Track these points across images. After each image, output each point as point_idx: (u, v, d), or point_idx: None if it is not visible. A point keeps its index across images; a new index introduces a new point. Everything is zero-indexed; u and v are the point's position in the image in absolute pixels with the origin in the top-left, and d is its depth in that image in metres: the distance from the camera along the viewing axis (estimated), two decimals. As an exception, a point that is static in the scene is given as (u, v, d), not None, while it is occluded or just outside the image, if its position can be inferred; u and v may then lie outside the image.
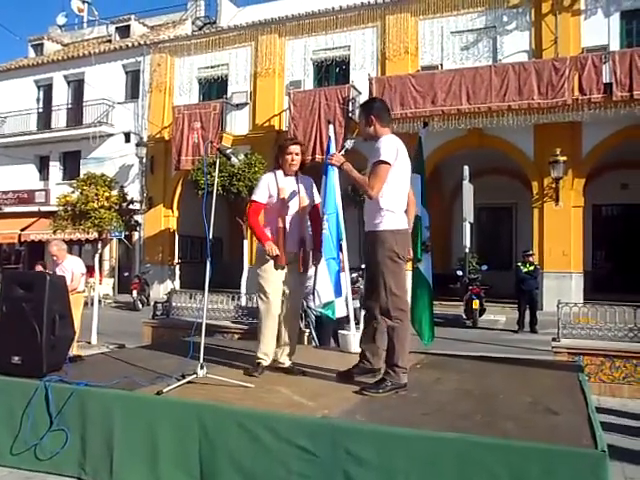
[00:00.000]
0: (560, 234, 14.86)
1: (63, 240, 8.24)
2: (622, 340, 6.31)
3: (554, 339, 6.50)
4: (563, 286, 14.21)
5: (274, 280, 4.15)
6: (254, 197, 4.21)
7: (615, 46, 14.86)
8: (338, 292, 5.84)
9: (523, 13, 16.04)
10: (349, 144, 4.08)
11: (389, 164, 3.65)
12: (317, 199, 4.39)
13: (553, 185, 15.04)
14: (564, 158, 14.52)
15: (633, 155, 15.86)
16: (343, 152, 4.01)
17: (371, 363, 3.97)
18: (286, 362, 4.28)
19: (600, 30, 15.12)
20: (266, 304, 4.16)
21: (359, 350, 4.18)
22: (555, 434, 2.82)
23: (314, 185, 4.38)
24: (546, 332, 9.60)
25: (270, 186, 4.17)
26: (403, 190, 3.82)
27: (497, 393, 3.67)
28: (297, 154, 4.19)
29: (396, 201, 3.75)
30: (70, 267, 6.90)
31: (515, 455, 2.64)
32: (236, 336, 7.26)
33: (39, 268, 7.98)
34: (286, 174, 4.21)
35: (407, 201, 3.90)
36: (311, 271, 7.04)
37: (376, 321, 3.81)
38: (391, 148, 3.69)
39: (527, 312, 11.74)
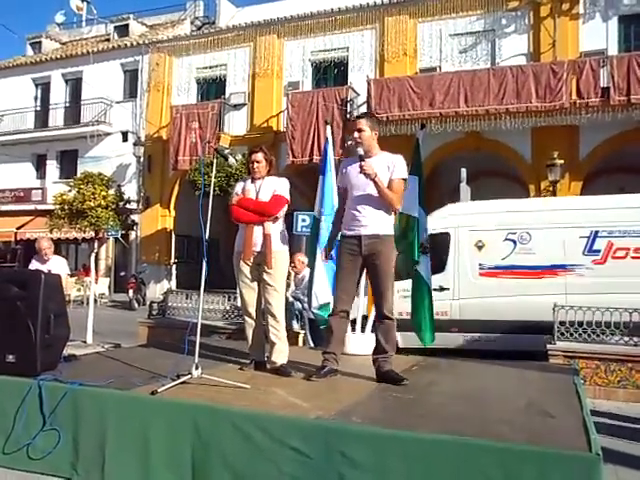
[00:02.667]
0: (557, 237, 14.86)
1: (59, 239, 8.21)
2: (618, 344, 6.32)
3: (550, 342, 6.51)
4: (559, 289, 14.20)
5: (242, 277, 4.39)
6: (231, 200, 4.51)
7: (613, 50, 14.90)
8: (335, 293, 5.84)
9: (522, 16, 16.07)
10: (361, 151, 3.99)
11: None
12: (278, 192, 4.36)
13: (550, 188, 15.05)
14: (561, 161, 14.53)
15: (630, 159, 15.87)
16: (364, 161, 3.92)
17: (338, 363, 4.19)
18: (278, 361, 4.29)
19: (598, 34, 15.17)
20: (240, 300, 4.52)
21: (331, 352, 4.19)
22: (550, 437, 2.81)
23: (282, 185, 4.40)
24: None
25: (237, 190, 4.48)
26: None
27: (492, 396, 3.67)
28: (258, 161, 4.37)
29: None
30: (58, 269, 6.70)
31: (510, 458, 2.63)
32: (232, 336, 7.26)
33: None
34: (253, 179, 4.43)
35: None
36: (306, 272, 7.09)
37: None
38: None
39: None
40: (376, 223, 4.01)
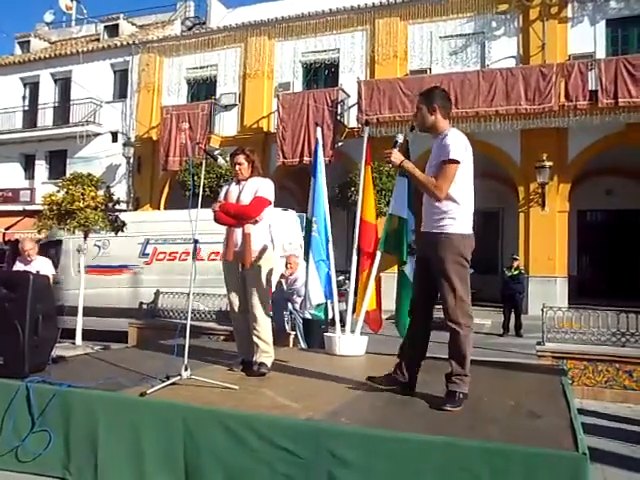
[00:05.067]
0: (545, 239, 14.99)
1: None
2: (605, 344, 6.38)
3: (538, 343, 6.56)
4: (548, 290, 14.31)
5: (227, 277, 4.45)
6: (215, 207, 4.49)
7: (601, 54, 15.03)
8: (329, 294, 5.86)
9: (511, 19, 16.17)
10: (400, 138, 3.78)
11: (459, 163, 3.43)
12: (259, 194, 4.34)
13: (539, 190, 15.16)
14: (550, 163, 14.65)
15: (617, 161, 16.03)
16: (397, 147, 3.70)
17: (404, 375, 3.76)
18: (258, 361, 4.29)
19: (586, 37, 15.29)
20: (227, 300, 4.55)
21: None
22: (537, 437, 2.84)
23: (265, 186, 4.39)
24: (531, 336, 9.68)
25: (222, 193, 4.53)
26: (470, 189, 3.57)
27: (481, 396, 3.69)
28: (240, 163, 4.42)
29: (465, 202, 3.51)
30: (43, 270, 6.64)
31: (497, 457, 2.66)
32: (221, 338, 7.25)
33: None
34: (237, 181, 4.48)
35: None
36: (300, 274, 7.09)
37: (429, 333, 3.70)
38: (461, 145, 3.49)
39: (512, 316, 11.83)
40: (431, 219, 3.55)
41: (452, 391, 3.41)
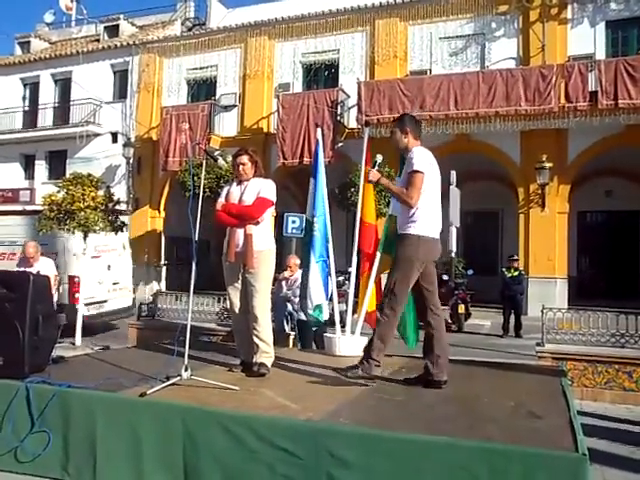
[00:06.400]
0: (545, 240, 14.99)
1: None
2: (605, 345, 6.39)
3: (538, 344, 6.56)
4: (548, 291, 14.31)
5: (228, 278, 4.44)
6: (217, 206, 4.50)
7: (601, 55, 15.03)
8: (327, 294, 5.86)
9: (511, 20, 16.18)
10: (380, 159, 4.38)
11: (423, 173, 3.87)
12: (262, 194, 4.35)
13: (539, 191, 15.17)
14: (550, 164, 14.65)
15: (617, 163, 16.05)
16: (376, 167, 4.20)
17: (432, 374, 3.92)
18: (258, 361, 4.29)
19: (586, 39, 15.30)
20: (228, 301, 4.55)
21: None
22: (537, 437, 2.84)
23: (267, 187, 4.39)
24: (531, 337, 9.67)
25: (223, 193, 4.52)
26: (434, 198, 3.98)
27: (481, 397, 3.69)
28: (243, 163, 4.42)
29: (428, 209, 3.91)
30: (45, 271, 6.64)
31: (497, 458, 2.66)
32: (221, 338, 7.25)
33: None
34: (239, 182, 4.47)
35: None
36: (299, 274, 7.09)
37: (431, 328, 3.97)
38: (423, 158, 3.93)
39: (512, 317, 11.82)
40: (401, 222, 4.04)
41: (355, 365, 3.89)
